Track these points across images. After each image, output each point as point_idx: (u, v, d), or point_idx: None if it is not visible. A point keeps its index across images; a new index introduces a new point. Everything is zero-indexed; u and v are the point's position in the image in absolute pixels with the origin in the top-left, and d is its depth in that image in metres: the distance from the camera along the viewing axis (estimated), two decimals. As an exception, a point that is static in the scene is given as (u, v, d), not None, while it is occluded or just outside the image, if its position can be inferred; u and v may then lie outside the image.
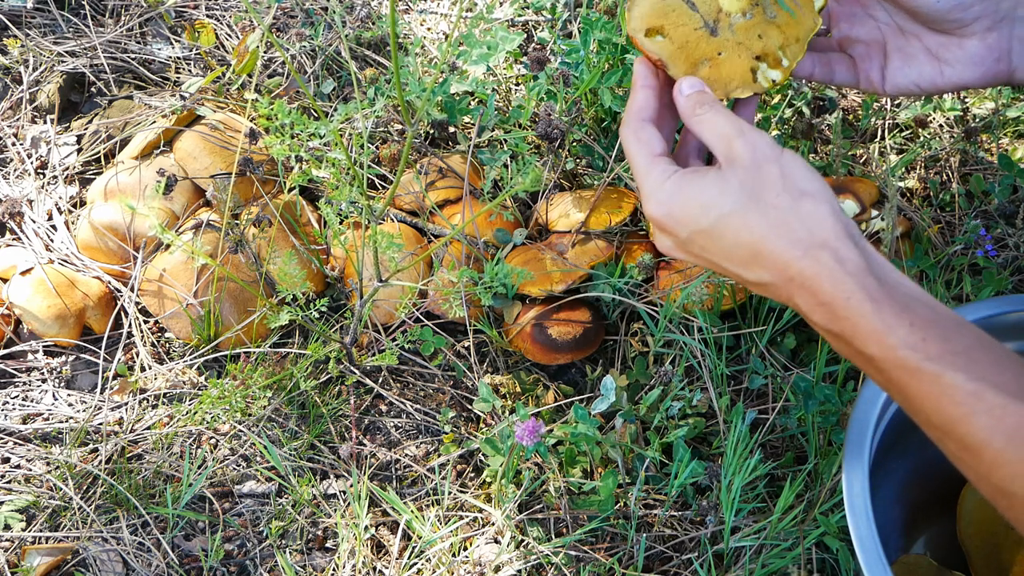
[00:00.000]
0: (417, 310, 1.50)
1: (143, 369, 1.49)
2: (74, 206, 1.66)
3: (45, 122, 1.76)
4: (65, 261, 1.58)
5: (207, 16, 1.91)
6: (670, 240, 0.91)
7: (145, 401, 1.45)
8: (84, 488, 1.35)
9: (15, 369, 1.49)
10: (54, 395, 1.47)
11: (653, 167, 0.90)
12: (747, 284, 0.89)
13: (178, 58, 1.85)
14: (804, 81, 1.67)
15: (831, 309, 0.82)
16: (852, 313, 0.81)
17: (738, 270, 0.87)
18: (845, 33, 1.05)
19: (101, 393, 1.46)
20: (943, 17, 0.97)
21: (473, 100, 1.67)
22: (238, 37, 1.88)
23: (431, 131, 1.71)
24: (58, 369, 1.50)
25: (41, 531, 1.31)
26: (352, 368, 1.47)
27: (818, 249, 0.82)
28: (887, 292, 0.81)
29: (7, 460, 1.39)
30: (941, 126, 1.77)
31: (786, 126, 1.67)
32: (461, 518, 1.32)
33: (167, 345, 1.53)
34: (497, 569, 1.27)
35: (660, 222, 0.90)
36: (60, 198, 1.65)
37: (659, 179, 0.89)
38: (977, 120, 1.76)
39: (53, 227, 1.62)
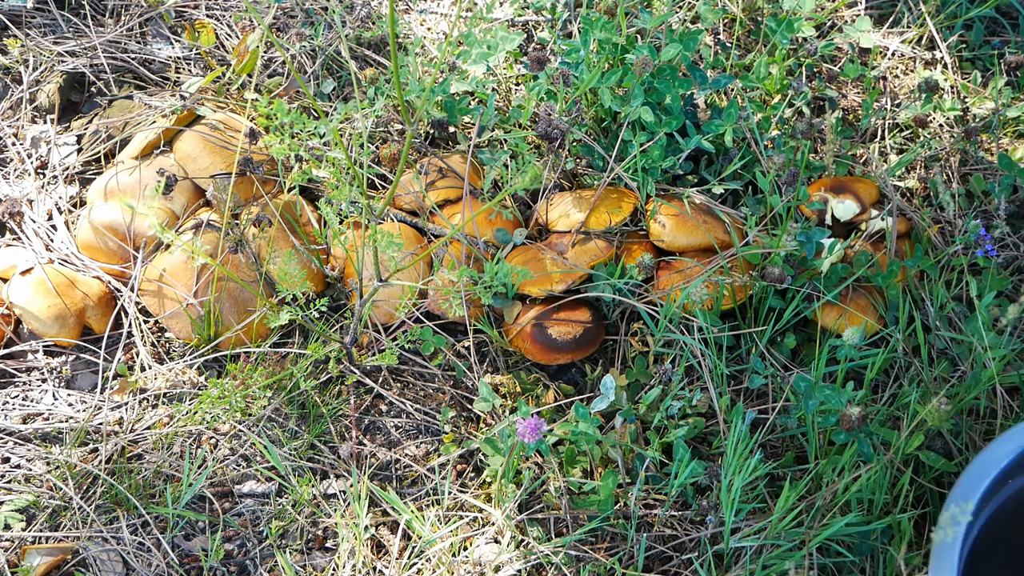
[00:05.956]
0: (417, 310, 1.50)
1: (143, 369, 1.49)
2: (74, 206, 1.66)
3: (45, 122, 1.75)
4: (65, 261, 1.57)
5: (207, 16, 1.91)
6: None
7: (145, 401, 1.45)
8: (84, 488, 1.35)
9: (15, 369, 1.49)
10: (54, 395, 1.47)
11: None
12: None
13: (178, 58, 1.85)
14: (804, 81, 1.67)
15: None
16: None
17: None
18: None
19: (101, 393, 1.46)
20: None
21: (473, 100, 1.67)
22: (238, 37, 1.88)
23: (431, 131, 1.71)
24: (58, 369, 1.50)
25: (41, 531, 1.31)
26: (352, 368, 1.47)
27: None
28: None
29: (7, 460, 1.38)
30: (941, 126, 1.77)
31: (786, 126, 1.67)
32: (461, 518, 1.32)
33: (167, 345, 1.53)
34: (497, 569, 1.27)
35: None
36: (60, 198, 1.65)
37: None
38: (977, 120, 1.76)
39: (53, 227, 1.62)
